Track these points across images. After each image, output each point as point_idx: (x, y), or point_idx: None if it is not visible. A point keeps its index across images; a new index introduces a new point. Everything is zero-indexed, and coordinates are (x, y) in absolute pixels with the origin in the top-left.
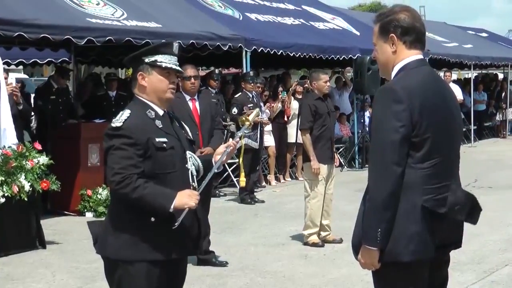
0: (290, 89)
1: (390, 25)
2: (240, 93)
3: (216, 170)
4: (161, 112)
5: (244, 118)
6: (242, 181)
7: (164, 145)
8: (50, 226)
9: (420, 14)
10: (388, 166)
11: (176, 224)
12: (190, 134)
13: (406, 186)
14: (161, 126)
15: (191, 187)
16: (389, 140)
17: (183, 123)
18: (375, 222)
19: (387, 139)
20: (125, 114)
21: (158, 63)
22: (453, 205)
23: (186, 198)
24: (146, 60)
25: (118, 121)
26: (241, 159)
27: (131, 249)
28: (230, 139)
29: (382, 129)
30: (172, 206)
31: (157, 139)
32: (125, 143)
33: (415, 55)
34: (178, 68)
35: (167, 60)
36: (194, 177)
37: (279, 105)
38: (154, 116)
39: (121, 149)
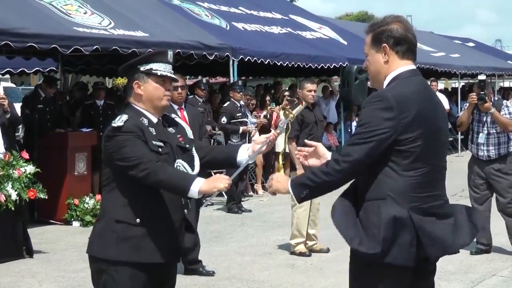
0: (282, 104)
1: (382, 35)
2: (228, 102)
3: (250, 161)
4: (155, 120)
5: (287, 112)
6: (280, 167)
7: (160, 149)
8: (37, 235)
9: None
10: (350, 162)
11: (204, 205)
12: (191, 134)
13: (393, 193)
14: (155, 133)
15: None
16: (365, 142)
17: (183, 124)
18: (311, 186)
19: (365, 141)
20: (124, 116)
21: (154, 71)
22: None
23: (214, 182)
24: (142, 68)
25: (119, 121)
26: (282, 150)
27: (115, 249)
28: (272, 130)
29: (365, 130)
30: (194, 190)
31: (153, 142)
32: (133, 136)
33: (407, 66)
34: (173, 75)
35: (162, 68)
36: None
37: (266, 113)
38: (147, 124)
39: (132, 140)
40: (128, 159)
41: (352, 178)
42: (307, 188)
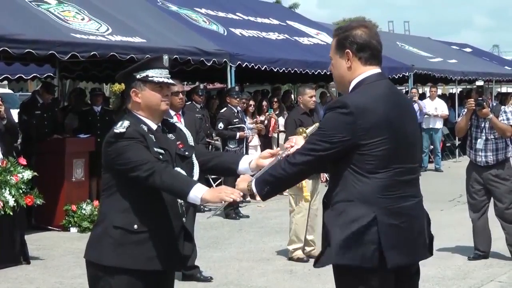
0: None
1: (346, 40)
2: (225, 108)
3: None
4: (154, 127)
5: (301, 130)
6: (307, 195)
7: (161, 156)
8: (34, 241)
9: (405, 29)
10: (306, 155)
11: (210, 216)
12: (192, 141)
13: (361, 195)
14: (155, 140)
15: (178, 204)
16: (322, 142)
17: (183, 130)
18: (271, 181)
19: (322, 140)
20: (125, 123)
21: (150, 78)
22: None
23: (218, 192)
24: (138, 76)
25: (121, 127)
26: None
27: (112, 255)
28: (278, 148)
29: (323, 132)
30: (196, 195)
31: (154, 149)
32: (135, 142)
33: (372, 70)
34: (170, 81)
35: (158, 74)
36: None
37: (264, 119)
38: (147, 131)
39: (134, 145)
40: (131, 162)
41: (307, 174)
42: (268, 184)
